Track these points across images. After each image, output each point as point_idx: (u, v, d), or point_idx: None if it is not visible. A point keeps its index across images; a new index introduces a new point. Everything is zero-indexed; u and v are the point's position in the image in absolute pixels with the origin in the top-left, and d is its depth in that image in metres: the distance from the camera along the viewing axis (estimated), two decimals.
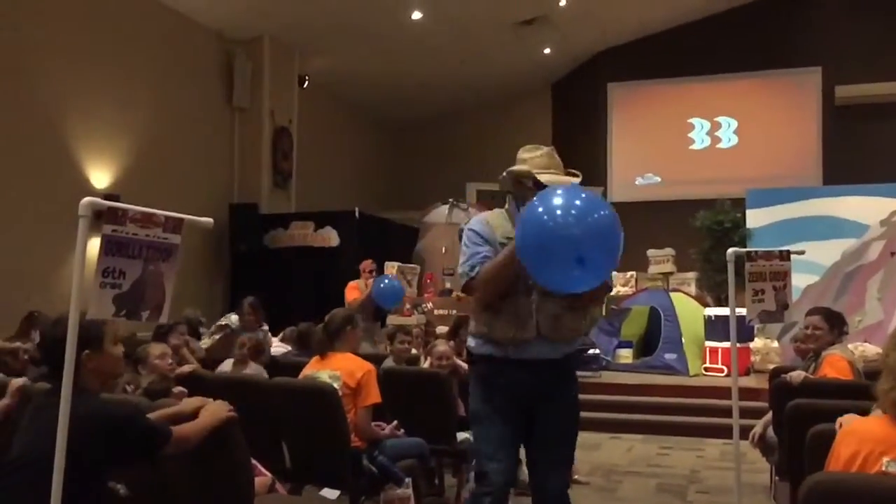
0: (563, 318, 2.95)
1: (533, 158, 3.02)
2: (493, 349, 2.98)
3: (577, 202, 2.43)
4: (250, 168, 10.97)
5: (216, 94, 10.60)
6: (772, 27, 13.18)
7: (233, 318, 6.44)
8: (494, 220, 3.05)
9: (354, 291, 8.09)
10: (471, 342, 3.10)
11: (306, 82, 11.96)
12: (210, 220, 2.36)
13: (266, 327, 6.63)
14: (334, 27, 10.98)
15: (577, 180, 2.95)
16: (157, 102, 9.34)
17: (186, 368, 4.58)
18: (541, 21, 12.24)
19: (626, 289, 10.88)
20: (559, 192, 2.51)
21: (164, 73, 9.49)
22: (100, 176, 8.57)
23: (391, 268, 9.15)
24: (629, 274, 11.01)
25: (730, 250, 3.54)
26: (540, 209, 2.46)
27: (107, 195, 8.33)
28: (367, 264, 8.25)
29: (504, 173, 3.06)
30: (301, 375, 4.21)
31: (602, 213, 2.45)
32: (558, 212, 2.42)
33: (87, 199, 2.07)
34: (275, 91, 11.19)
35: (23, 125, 7.68)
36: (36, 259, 7.65)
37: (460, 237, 2.97)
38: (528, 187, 2.96)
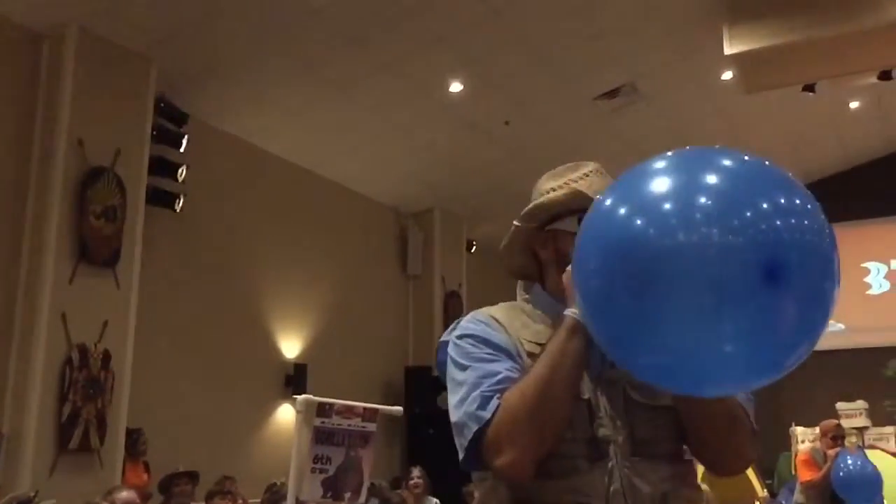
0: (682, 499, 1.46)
1: (578, 180, 1.63)
2: None
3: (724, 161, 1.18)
4: (423, 332, 11.54)
5: (392, 264, 11.42)
6: None
7: None
8: (506, 316, 1.63)
9: (808, 468, 5.77)
10: None
11: (473, 247, 12.63)
12: (399, 408, 2.69)
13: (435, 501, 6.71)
14: (499, 195, 11.60)
15: None
16: (340, 276, 10.18)
17: None
18: None
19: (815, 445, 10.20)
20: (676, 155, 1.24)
21: (347, 248, 10.38)
22: (289, 346, 9.34)
23: None
24: (817, 429, 10.36)
25: None
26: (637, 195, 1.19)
27: (296, 364, 9.06)
28: (828, 425, 5.86)
29: (516, 223, 1.70)
30: None
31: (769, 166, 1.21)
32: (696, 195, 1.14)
33: (303, 398, 2.46)
34: (444, 258, 11.89)
35: (227, 302, 8.55)
36: (230, 423, 8.26)
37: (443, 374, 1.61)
38: (568, 234, 1.55)
